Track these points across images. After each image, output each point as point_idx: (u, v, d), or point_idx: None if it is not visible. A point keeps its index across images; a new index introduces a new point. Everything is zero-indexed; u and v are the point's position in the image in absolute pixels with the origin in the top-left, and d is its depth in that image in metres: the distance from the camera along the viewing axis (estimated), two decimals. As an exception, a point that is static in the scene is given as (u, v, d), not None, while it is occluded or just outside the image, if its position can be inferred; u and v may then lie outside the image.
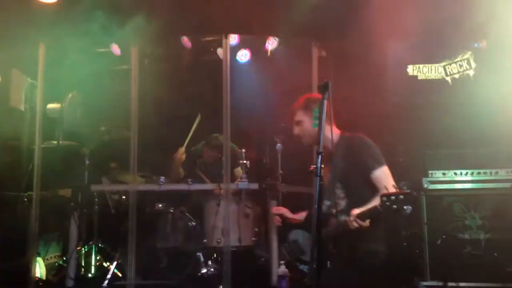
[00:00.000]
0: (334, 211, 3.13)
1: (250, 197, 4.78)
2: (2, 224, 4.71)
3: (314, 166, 2.63)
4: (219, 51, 5.58)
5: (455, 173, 4.51)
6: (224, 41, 4.81)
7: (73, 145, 5.27)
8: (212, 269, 4.58)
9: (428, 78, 4.59)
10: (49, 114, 5.19)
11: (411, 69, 4.62)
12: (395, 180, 3.07)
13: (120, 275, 4.66)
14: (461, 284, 4.27)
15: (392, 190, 2.84)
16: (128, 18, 4.65)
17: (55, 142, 5.22)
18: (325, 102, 2.64)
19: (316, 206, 2.63)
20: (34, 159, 4.52)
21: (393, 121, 4.92)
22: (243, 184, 4.60)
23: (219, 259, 4.70)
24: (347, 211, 3.03)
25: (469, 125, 4.63)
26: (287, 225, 3.60)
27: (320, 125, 2.65)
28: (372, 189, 3.09)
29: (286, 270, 4.26)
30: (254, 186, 4.70)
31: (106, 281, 4.50)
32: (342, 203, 3.20)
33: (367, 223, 2.88)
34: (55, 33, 4.76)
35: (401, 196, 2.70)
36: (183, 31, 5.43)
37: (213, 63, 5.47)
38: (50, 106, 5.26)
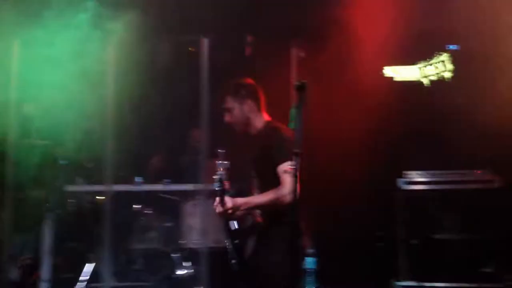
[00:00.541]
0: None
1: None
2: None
3: (293, 166, 2.62)
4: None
5: (431, 174, 4.56)
6: (202, 40, 4.79)
7: (47, 144, 5.19)
8: (188, 270, 4.56)
9: (404, 79, 4.63)
10: (23, 111, 5.11)
11: (387, 70, 4.65)
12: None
13: (95, 276, 4.59)
14: (437, 284, 4.31)
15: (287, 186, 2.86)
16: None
17: (29, 141, 5.16)
18: (302, 102, 2.63)
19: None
20: (6, 159, 4.42)
21: (370, 122, 4.95)
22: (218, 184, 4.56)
23: (194, 260, 4.69)
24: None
25: (445, 127, 4.69)
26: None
27: (297, 127, 2.65)
28: (278, 181, 3.10)
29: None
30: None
31: (84, 283, 4.43)
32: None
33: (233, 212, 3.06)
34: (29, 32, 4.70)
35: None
36: (162, 31, 5.39)
37: (192, 63, 5.44)
38: (25, 104, 5.17)
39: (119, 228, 4.56)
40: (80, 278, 4.55)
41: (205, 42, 4.76)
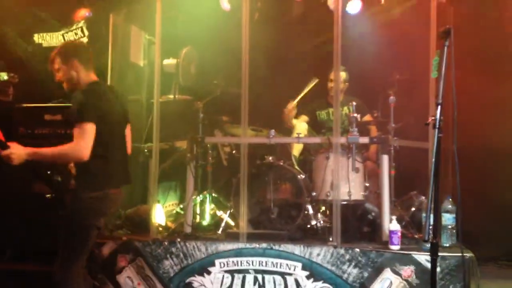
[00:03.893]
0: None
1: (360, 151, 4.72)
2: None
3: (433, 117, 2.50)
4: (330, 3, 5.42)
5: None
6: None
7: (188, 99, 5.48)
8: (322, 222, 4.62)
9: None
10: (165, 69, 5.42)
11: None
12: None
13: (232, 223, 4.84)
14: None
15: (83, 143, 3.21)
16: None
17: (172, 96, 5.49)
18: (446, 49, 2.48)
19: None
20: (153, 112, 4.75)
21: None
22: (353, 138, 4.52)
23: (328, 212, 4.73)
24: None
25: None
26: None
27: (440, 74, 2.51)
28: None
29: (398, 225, 4.19)
30: (364, 140, 4.61)
31: (220, 229, 4.70)
32: None
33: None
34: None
35: None
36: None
37: (323, 15, 5.34)
38: (166, 61, 5.48)
39: (254, 178, 4.72)
40: (219, 224, 4.80)
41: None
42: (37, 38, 5.64)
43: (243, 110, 4.52)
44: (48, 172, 3.41)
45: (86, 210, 3.38)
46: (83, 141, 3.25)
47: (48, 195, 3.68)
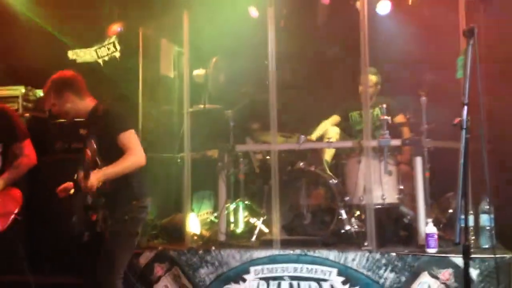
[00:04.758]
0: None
1: (393, 153, 4.65)
2: (160, 183, 5.13)
3: (460, 118, 2.45)
4: (358, 4, 5.38)
5: None
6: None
7: (218, 108, 5.54)
8: (356, 226, 4.57)
9: None
10: (195, 79, 5.49)
11: None
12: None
13: (266, 230, 4.84)
14: None
15: (138, 149, 3.33)
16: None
17: (202, 106, 5.56)
18: (470, 49, 2.42)
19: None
20: (184, 122, 4.80)
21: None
22: (384, 140, 4.47)
23: (362, 216, 4.68)
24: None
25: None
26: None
27: (465, 73, 2.45)
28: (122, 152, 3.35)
29: (434, 228, 4.11)
30: (397, 142, 4.55)
31: (254, 236, 4.70)
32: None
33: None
34: (197, 3, 4.97)
35: None
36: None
37: (351, 17, 5.30)
38: (195, 72, 5.55)
39: (286, 185, 4.71)
40: (253, 231, 4.81)
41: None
42: (71, 54, 5.80)
43: (272, 116, 4.53)
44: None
45: (131, 220, 3.47)
46: (138, 147, 3.38)
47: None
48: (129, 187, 3.47)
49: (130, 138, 3.38)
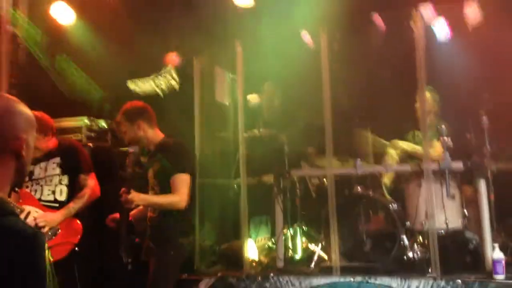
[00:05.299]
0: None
1: (455, 176, 4.50)
2: (217, 209, 5.17)
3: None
4: (414, 25, 5.30)
5: None
6: (415, 13, 4.54)
7: (273, 133, 5.55)
8: (419, 253, 4.43)
9: None
10: (249, 105, 5.54)
11: None
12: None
13: (325, 257, 4.77)
14: None
15: (184, 194, 3.53)
16: (315, 3, 4.70)
17: (257, 131, 5.58)
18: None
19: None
20: (239, 148, 4.84)
21: None
22: (446, 163, 4.34)
23: (426, 242, 4.54)
24: None
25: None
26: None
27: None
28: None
29: (501, 253, 3.94)
30: (458, 165, 4.40)
31: (313, 263, 4.64)
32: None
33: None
34: (249, 30, 5.04)
35: None
36: (372, 7, 5.29)
37: (406, 39, 5.23)
38: (249, 97, 5.60)
39: (344, 210, 4.64)
40: (311, 258, 4.75)
41: (422, 14, 4.49)
42: (130, 84, 5.98)
43: (327, 140, 4.50)
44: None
45: (176, 254, 3.61)
46: (185, 192, 3.55)
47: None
48: (177, 222, 3.61)
49: (183, 182, 3.56)
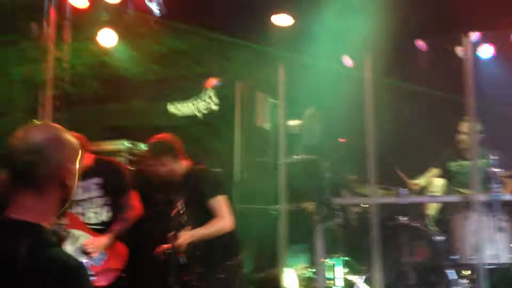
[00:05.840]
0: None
1: (505, 208, 4.30)
2: (255, 236, 5.08)
3: None
4: (458, 50, 5.18)
5: None
6: (464, 39, 4.41)
7: (314, 159, 5.44)
8: (465, 288, 4.23)
9: None
10: (290, 130, 5.47)
11: None
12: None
13: (367, 288, 4.60)
14: None
15: (228, 215, 3.45)
16: (358, 29, 4.64)
17: (297, 157, 5.49)
18: None
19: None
20: (279, 174, 4.76)
21: None
22: (496, 195, 4.14)
23: (474, 276, 4.32)
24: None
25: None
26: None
27: None
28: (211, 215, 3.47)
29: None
30: (509, 196, 4.20)
31: (353, 294, 4.50)
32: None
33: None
34: (291, 53, 5.00)
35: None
36: (416, 33, 5.19)
37: (452, 63, 5.10)
38: (291, 122, 5.53)
39: (387, 240, 4.49)
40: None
41: (468, 40, 4.36)
42: (170, 107, 6.02)
43: (370, 168, 4.38)
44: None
45: (225, 279, 3.53)
46: (228, 213, 3.49)
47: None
48: (223, 247, 3.53)
49: (221, 204, 3.49)
